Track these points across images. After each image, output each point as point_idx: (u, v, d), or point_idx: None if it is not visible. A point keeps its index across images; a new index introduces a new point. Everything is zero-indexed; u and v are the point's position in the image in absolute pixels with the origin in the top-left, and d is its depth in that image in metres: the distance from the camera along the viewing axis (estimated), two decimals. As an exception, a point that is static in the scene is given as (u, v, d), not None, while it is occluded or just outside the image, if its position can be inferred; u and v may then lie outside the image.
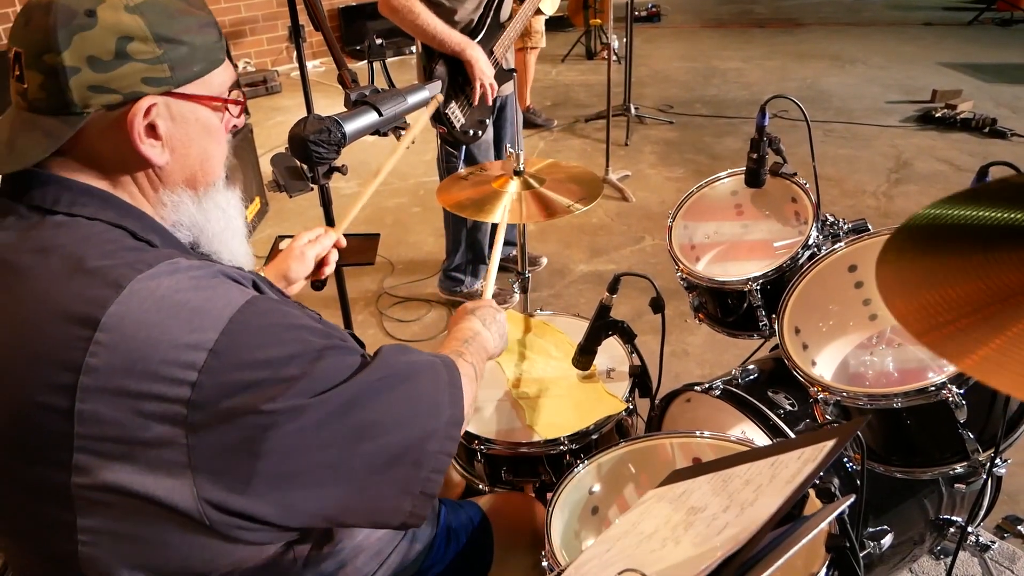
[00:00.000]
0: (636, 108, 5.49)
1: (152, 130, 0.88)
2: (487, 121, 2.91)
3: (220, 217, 1.00)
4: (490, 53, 2.79)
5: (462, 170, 2.37)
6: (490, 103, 2.82)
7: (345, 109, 1.39)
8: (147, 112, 0.87)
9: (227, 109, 0.96)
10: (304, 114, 1.45)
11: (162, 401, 0.76)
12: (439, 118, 2.71)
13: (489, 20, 2.79)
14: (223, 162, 1.00)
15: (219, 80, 0.94)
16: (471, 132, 2.86)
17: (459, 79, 2.75)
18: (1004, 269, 0.69)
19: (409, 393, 0.92)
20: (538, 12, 4.11)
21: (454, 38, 2.66)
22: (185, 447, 0.77)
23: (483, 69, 2.71)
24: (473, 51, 2.69)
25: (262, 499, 0.80)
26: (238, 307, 0.82)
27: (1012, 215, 0.75)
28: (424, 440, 0.92)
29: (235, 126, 1.01)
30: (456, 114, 2.78)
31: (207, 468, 0.78)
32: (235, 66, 1.01)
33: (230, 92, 0.97)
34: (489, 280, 1.50)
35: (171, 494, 0.77)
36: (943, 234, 0.78)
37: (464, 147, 2.90)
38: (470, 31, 2.76)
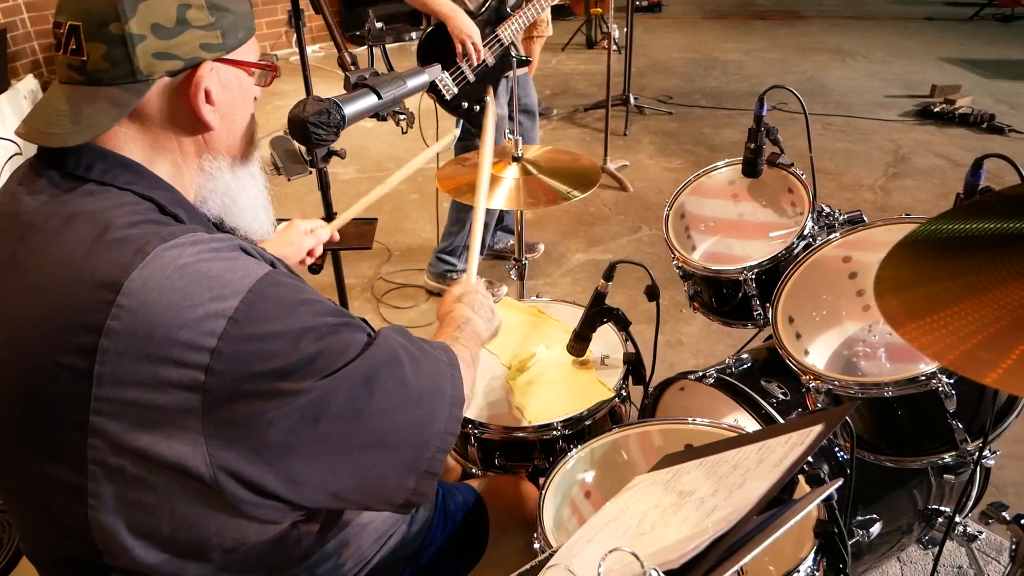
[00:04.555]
0: (636, 98, 5.48)
1: (207, 95, 0.92)
2: (487, 99, 2.89)
3: (252, 185, 1.04)
4: (492, 33, 2.80)
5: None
6: (475, 64, 2.79)
7: (345, 92, 1.39)
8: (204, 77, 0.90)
9: (254, 76, 1.00)
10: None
11: (181, 366, 0.77)
12: (431, 85, 2.73)
13: (492, 3, 2.81)
14: (250, 131, 1.04)
15: (254, 48, 0.99)
16: (462, 105, 2.84)
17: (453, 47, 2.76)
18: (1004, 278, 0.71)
19: (414, 373, 0.93)
20: None
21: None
22: (200, 412, 0.78)
23: (461, 26, 2.71)
24: (450, 8, 2.69)
25: (272, 470, 0.82)
26: (257, 278, 0.83)
27: (1004, 224, 0.76)
28: (430, 419, 0.94)
29: (255, 97, 1.04)
30: (447, 83, 2.78)
31: (221, 435, 0.79)
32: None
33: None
34: (472, 263, 1.47)
35: (185, 459, 0.79)
36: (941, 247, 0.80)
37: (461, 121, 2.90)
38: (470, 11, 2.79)
